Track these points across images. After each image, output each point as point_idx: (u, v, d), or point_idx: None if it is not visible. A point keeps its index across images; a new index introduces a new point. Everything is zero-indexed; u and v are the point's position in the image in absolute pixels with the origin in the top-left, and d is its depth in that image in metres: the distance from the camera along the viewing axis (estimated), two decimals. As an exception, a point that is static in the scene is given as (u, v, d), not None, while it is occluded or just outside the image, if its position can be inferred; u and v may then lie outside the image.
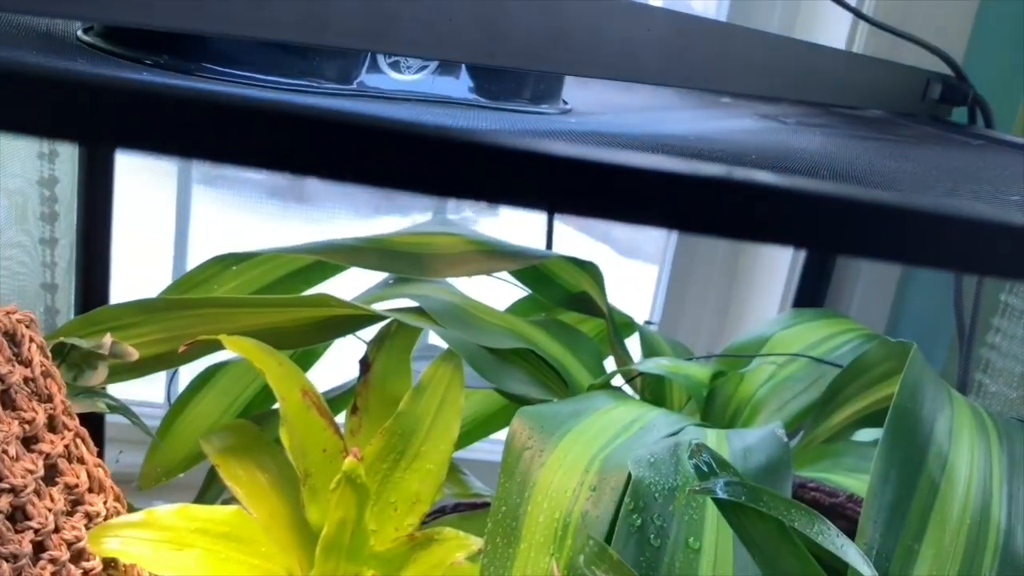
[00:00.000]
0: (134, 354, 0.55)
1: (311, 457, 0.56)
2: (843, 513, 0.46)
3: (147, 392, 0.89)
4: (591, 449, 0.46)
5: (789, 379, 0.55)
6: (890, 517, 0.38)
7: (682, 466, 0.40)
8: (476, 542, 0.51)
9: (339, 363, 0.71)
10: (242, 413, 0.64)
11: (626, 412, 0.50)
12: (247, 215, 0.96)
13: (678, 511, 0.38)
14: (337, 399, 0.64)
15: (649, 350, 0.64)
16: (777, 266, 0.84)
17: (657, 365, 0.57)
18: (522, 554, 0.45)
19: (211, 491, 0.64)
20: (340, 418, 0.60)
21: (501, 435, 0.74)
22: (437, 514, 0.65)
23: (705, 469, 0.34)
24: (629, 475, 0.42)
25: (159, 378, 0.83)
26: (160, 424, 0.62)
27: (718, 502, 0.33)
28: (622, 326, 0.66)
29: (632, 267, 1.05)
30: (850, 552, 0.31)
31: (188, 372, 0.66)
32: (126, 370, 0.57)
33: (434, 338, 0.65)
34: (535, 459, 0.47)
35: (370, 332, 0.61)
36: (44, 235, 0.68)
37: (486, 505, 0.74)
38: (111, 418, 0.70)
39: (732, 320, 0.88)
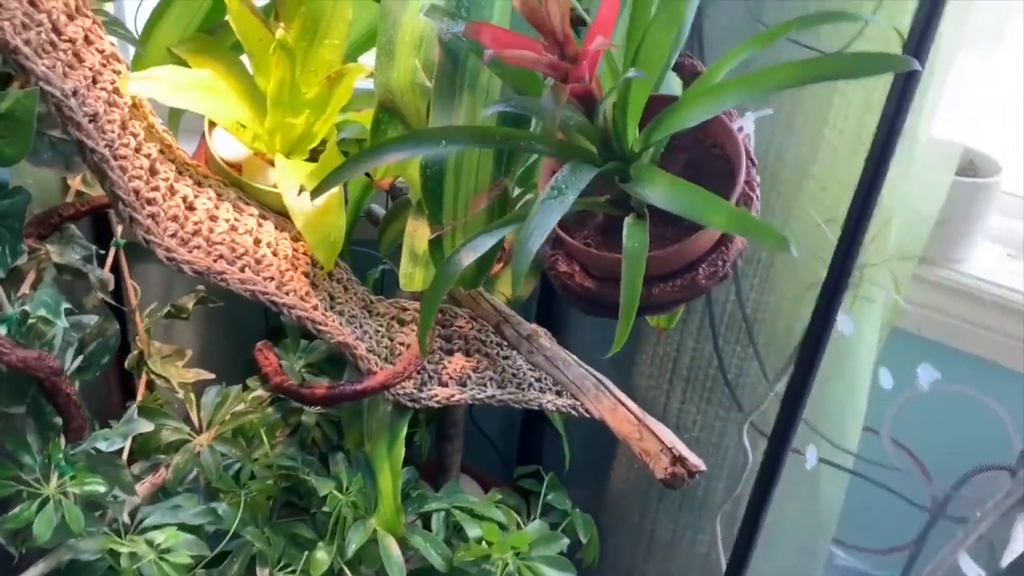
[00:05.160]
0: (116, -25, 0.78)
1: (253, 43, 0.82)
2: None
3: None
4: (433, -6, 0.73)
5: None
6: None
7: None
8: (370, 67, 0.79)
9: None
10: (198, 29, 0.89)
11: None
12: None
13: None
14: (263, 9, 0.88)
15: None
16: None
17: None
18: (398, 62, 0.73)
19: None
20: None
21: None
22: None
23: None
24: None
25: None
26: (139, 40, 0.87)
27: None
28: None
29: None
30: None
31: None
32: (111, -9, 0.80)
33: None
34: (399, 6, 0.73)
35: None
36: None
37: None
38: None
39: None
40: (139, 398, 0.99)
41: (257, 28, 0.82)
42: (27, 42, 0.60)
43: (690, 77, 0.66)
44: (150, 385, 1.01)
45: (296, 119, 0.83)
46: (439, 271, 0.58)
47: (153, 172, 0.73)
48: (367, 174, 0.85)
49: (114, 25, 0.82)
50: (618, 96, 0.54)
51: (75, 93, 0.63)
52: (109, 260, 0.91)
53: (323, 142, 0.85)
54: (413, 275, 0.79)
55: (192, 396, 0.96)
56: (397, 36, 0.73)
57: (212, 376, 0.99)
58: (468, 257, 0.55)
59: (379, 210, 1.09)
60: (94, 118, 0.65)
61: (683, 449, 0.69)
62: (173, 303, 1.01)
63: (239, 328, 1.15)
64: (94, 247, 0.77)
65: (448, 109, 0.63)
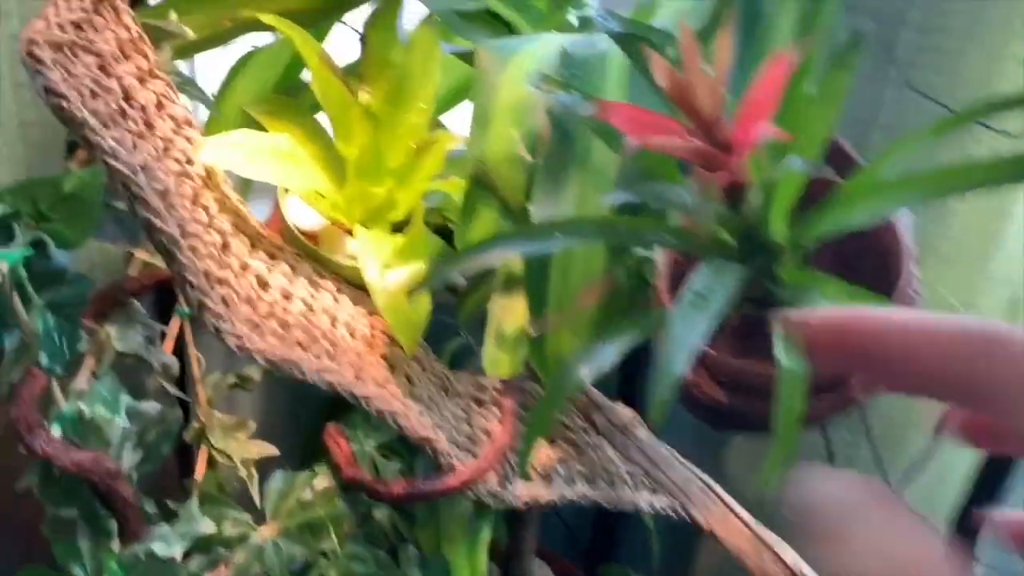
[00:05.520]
0: (190, 33, 0.73)
1: (333, 105, 0.76)
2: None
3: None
4: (536, 57, 0.66)
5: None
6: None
7: (595, 46, 0.60)
8: (463, 136, 0.72)
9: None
10: (274, 89, 0.83)
11: (561, 37, 0.69)
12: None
13: (591, 67, 0.58)
14: (346, 70, 0.82)
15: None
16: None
17: (583, 11, 0.75)
18: (493, 131, 0.66)
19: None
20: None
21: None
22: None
23: (605, 20, 0.53)
24: (559, 61, 0.62)
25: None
26: (213, 102, 0.81)
27: (611, 34, 0.52)
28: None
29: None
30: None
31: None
32: (185, 49, 0.75)
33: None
34: (497, 70, 0.67)
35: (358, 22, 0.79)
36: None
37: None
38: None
39: None
40: (199, 477, 0.93)
41: (339, 90, 0.76)
42: (95, 113, 0.55)
43: (835, 156, 0.58)
44: (210, 461, 0.95)
45: (378, 188, 0.76)
46: (550, 388, 0.50)
47: (225, 248, 0.67)
48: (446, 239, 0.78)
49: (187, 86, 0.76)
50: (769, 186, 0.46)
51: (144, 167, 0.57)
52: (173, 332, 0.85)
53: (407, 213, 0.78)
54: (499, 360, 0.71)
55: (254, 472, 0.89)
56: (493, 103, 0.66)
57: (276, 452, 0.93)
58: (587, 372, 0.46)
59: (455, 274, 1.02)
60: (164, 194, 0.59)
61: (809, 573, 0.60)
62: (238, 373, 0.95)
63: (304, 397, 1.08)
64: (159, 326, 0.71)
65: (555, 189, 0.56)
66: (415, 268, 0.72)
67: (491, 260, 0.57)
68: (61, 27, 0.56)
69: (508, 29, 0.79)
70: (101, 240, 0.62)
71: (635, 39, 0.52)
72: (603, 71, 0.58)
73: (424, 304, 0.73)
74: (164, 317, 0.84)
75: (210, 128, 0.81)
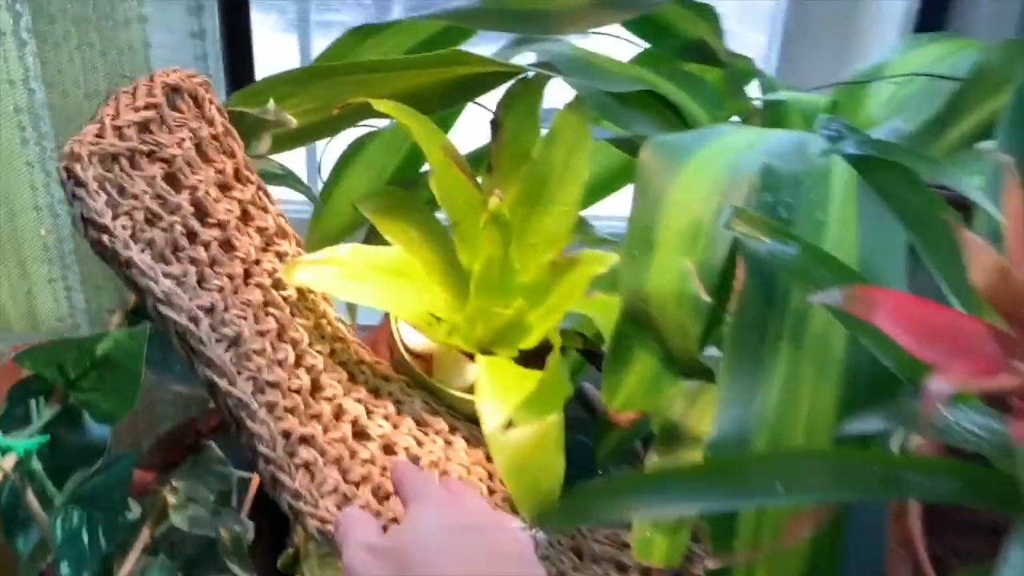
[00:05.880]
0: (293, 121, 0.61)
1: (457, 207, 0.62)
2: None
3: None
4: (720, 162, 0.50)
5: (908, 98, 0.56)
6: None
7: (807, 157, 0.44)
8: (614, 258, 0.57)
9: (466, 135, 0.76)
10: (390, 181, 0.71)
11: (751, 134, 0.53)
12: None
13: (805, 191, 0.42)
14: (472, 161, 0.69)
15: (768, 90, 0.66)
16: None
17: (776, 94, 0.59)
18: (658, 259, 0.50)
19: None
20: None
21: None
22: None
23: (835, 135, 0.37)
24: (759, 178, 0.46)
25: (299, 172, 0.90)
26: (320, 194, 0.69)
27: (849, 157, 0.36)
28: (742, 72, 0.68)
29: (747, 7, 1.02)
30: (974, 192, 0.35)
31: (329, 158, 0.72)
32: (287, 140, 0.63)
33: (554, 100, 0.69)
34: (666, 178, 0.51)
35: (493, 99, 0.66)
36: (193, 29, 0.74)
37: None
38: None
39: (850, 63, 0.88)
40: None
41: (463, 187, 0.62)
42: (150, 244, 0.43)
43: None
44: (304, 592, 0.83)
45: (505, 307, 0.62)
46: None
47: (316, 390, 0.54)
48: (593, 406, 0.63)
49: (287, 181, 0.65)
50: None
51: (211, 310, 0.45)
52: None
53: (540, 340, 0.63)
54: (652, 543, 0.55)
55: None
56: (659, 221, 0.50)
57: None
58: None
59: (593, 391, 0.87)
60: (236, 341, 0.46)
61: None
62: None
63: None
64: (240, 474, 0.58)
65: (753, 367, 0.39)
66: (548, 421, 0.57)
67: (667, 511, 0.41)
68: (120, 132, 0.44)
69: (675, 114, 0.63)
70: (165, 383, 0.50)
71: (881, 165, 0.35)
72: (824, 198, 0.41)
73: (556, 465, 0.58)
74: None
75: (315, 229, 0.70)
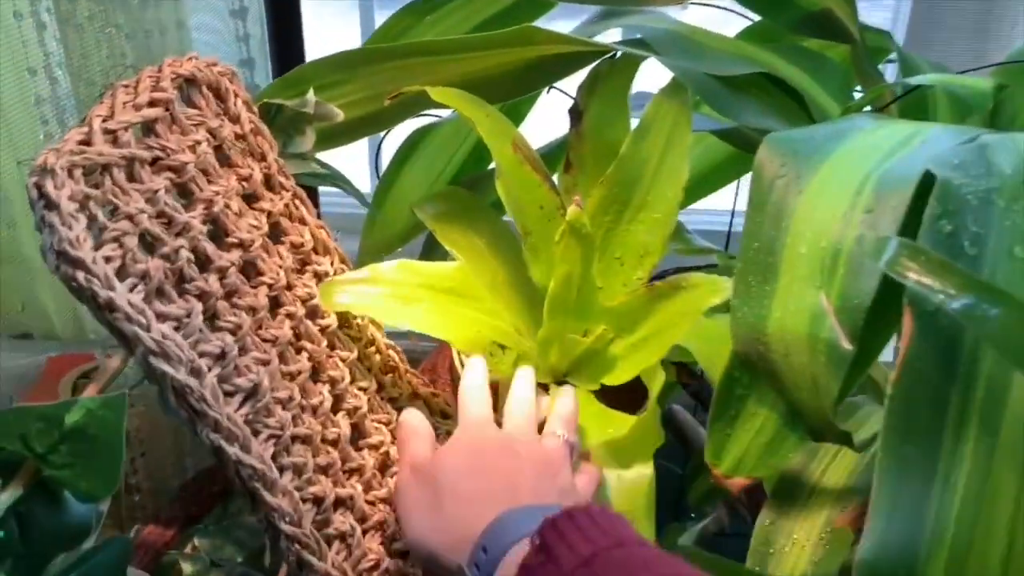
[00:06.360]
0: (339, 114, 0.52)
1: (528, 215, 0.53)
2: None
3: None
4: (862, 168, 0.39)
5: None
6: None
7: (996, 167, 0.33)
8: (731, 285, 0.46)
9: (544, 125, 0.66)
10: (452, 180, 0.62)
11: (898, 129, 0.42)
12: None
13: (998, 216, 0.31)
14: (548, 157, 0.59)
15: (909, 72, 0.54)
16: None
17: (927, 78, 0.47)
18: (782, 290, 0.39)
19: (431, 259, 0.62)
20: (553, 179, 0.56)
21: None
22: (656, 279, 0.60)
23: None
24: (915, 190, 0.35)
25: (361, 166, 0.82)
26: (373, 196, 0.61)
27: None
28: (874, 50, 0.56)
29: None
30: None
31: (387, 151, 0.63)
32: (333, 135, 0.55)
33: (646, 83, 0.58)
34: (791, 187, 0.40)
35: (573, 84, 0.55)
36: (234, 7, 0.66)
37: (715, 266, 0.69)
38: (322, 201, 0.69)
39: (993, 41, 0.75)
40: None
41: (537, 190, 0.53)
42: (143, 278, 0.34)
43: None
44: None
45: (584, 333, 0.52)
46: None
47: (358, 436, 0.46)
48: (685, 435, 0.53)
49: (332, 180, 0.56)
50: None
51: (221, 356, 0.36)
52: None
53: (628, 375, 0.53)
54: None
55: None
56: (783, 242, 0.39)
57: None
58: None
59: (685, 416, 0.76)
60: (253, 392, 0.37)
61: None
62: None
63: None
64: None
65: (923, 459, 0.29)
66: (636, 473, 0.48)
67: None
68: (114, 136, 0.36)
69: (795, 101, 0.52)
70: (177, 421, 0.42)
71: None
72: (1006, 244, 0.30)
73: (647, 514, 0.48)
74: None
75: (368, 233, 0.61)
